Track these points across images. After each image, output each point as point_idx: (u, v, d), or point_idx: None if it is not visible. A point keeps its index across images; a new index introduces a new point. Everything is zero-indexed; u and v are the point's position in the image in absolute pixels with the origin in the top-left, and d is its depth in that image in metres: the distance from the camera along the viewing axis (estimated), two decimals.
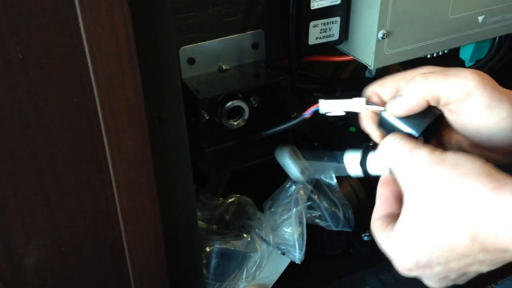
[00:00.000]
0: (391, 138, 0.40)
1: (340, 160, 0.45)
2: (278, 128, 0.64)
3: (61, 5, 0.38)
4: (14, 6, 0.37)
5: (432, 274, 0.37)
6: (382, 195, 0.42)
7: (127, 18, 0.40)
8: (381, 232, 0.40)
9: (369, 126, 0.44)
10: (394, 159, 0.39)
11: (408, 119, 0.41)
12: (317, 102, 0.46)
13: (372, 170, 0.43)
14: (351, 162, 0.43)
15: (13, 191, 0.43)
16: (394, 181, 0.42)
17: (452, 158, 0.36)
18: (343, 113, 0.44)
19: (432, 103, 0.41)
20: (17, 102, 0.40)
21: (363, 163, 0.42)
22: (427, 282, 0.40)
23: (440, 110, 0.41)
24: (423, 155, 0.37)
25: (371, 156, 0.43)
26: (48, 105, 0.41)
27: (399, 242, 0.38)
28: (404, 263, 0.38)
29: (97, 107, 0.42)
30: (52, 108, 0.41)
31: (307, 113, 0.48)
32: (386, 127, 0.42)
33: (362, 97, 0.43)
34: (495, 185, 0.34)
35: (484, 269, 0.37)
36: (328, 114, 0.45)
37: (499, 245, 0.34)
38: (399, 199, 0.42)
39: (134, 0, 0.41)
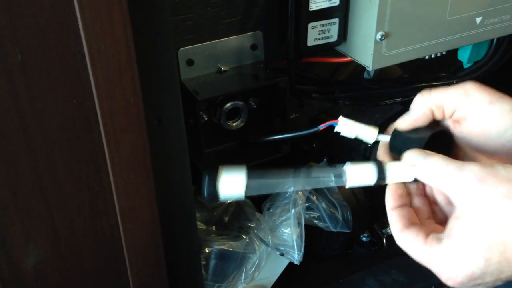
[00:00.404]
0: (435, 159, 0.39)
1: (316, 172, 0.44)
2: (289, 135, 0.65)
3: (60, 6, 0.38)
4: (12, 7, 0.37)
5: (481, 286, 0.38)
6: (405, 205, 0.42)
7: (126, 19, 0.40)
8: (420, 243, 0.39)
9: (383, 155, 0.44)
10: (442, 177, 0.38)
11: (414, 134, 0.41)
12: (336, 117, 0.46)
13: (392, 180, 0.42)
14: (359, 172, 0.41)
15: (12, 191, 0.44)
16: (419, 193, 0.43)
17: (504, 171, 0.36)
18: (352, 137, 0.44)
19: (437, 114, 0.42)
20: (16, 103, 0.40)
21: (381, 173, 0.41)
22: None
23: (445, 126, 0.42)
24: (474, 169, 0.37)
25: (392, 167, 0.41)
26: (47, 106, 0.41)
27: (452, 255, 0.37)
28: (456, 276, 0.37)
29: (96, 108, 0.42)
30: (51, 109, 0.42)
31: (322, 126, 0.48)
32: (396, 149, 0.42)
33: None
34: None
35: None
36: (341, 133, 0.45)
37: None
38: (431, 210, 0.43)
39: (133, 1, 0.41)
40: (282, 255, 0.69)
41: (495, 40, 0.72)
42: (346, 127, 0.44)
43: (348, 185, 0.40)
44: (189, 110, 0.61)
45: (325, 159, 0.76)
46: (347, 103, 0.75)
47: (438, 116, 0.42)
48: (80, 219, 0.47)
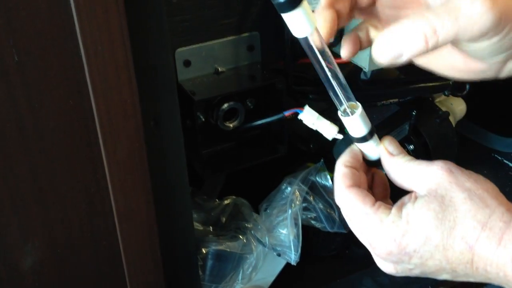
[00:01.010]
0: (403, 160, 0.39)
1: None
2: (255, 123, 0.65)
3: (56, 8, 0.38)
4: (9, 9, 0.37)
5: (404, 262, 0.38)
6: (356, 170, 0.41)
7: (123, 21, 0.40)
8: (367, 205, 0.38)
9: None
10: (412, 170, 0.39)
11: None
12: (305, 104, 0.46)
13: (365, 147, 0.42)
14: (363, 117, 0.40)
15: (9, 192, 0.44)
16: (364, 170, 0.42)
17: (474, 174, 0.37)
18: (314, 128, 0.44)
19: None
20: (14, 104, 0.40)
21: (370, 134, 0.40)
22: (386, 266, 0.40)
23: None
24: (443, 163, 0.37)
25: (375, 139, 0.41)
26: (44, 107, 0.41)
27: (396, 224, 0.37)
28: (390, 246, 0.37)
29: (92, 109, 0.42)
30: (48, 110, 0.42)
31: (287, 112, 0.49)
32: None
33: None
34: (510, 208, 0.35)
35: (451, 278, 0.37)
36: (304, 122, 0.45)
37: (491, 265, 0.34)
38: (387, 189, 0.43)
39: (129, 2, 0.41)
40: (279, 255, 0.69)
41: None
42: (310, 117, 0.44)
43: (350, 119, 0.39)
44: (186, 111, 0.61)
45: (322, 160, 0.76)
46: None
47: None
48: (77, 219, 0.47)
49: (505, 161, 1.02)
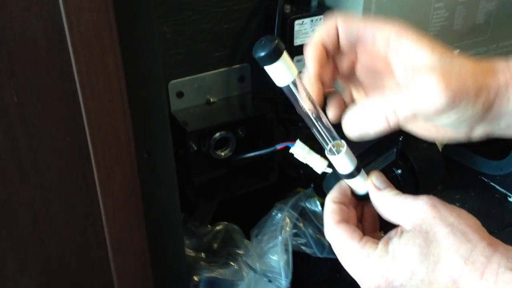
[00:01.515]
0: (390, 194, 0.41)
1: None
2: (248, 155, 0.66)
3: (55, 51, 0.40)
4: (11, 53, 0.39)
5: None
6: (345, 205, 0.43)
7: (118, 62, 0.42)
8: (355, 240, 0.40)
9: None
10: (399, 205, 0.40)
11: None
12: (297, 138, 0.48)
13: (354, 183, 0.43)
14: (348, 155, 0.42)
15: (7, 224, 0.45)
16: (353, 205, 0.44)
17: (457, 209, 0.39)
18: (304, 162, 0.46)
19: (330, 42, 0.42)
20: (12, 141, 0.42)
21: (357, 170, 0.42)
22: None
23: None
24: (427, 198, 0.39)
25: (362, 175, 0.43)
26: (42, 144, 0.43)
27: (383, 259, 0.38)
28: (377, 280, 0.38)
29: (88, 145, 0.44)
30: (46, 147, 0.43)
31: (279, 146, 0.50)
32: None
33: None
34: (491, 242, 0.37)
35: None
36: (294, 155, 0.47)
37: None
38: (376, 221, 0.44)
39: (125, 42, 0.43)
40: (270, 281, 0.70)
41: None
42: (300, 151, 0.46)
43: (336, 158, 0.41)
44: (179, 141, 0.63)
45: (311, 186, 0.78)
46: None
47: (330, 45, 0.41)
48: (72, 250, 0.49)
49: (491, 183, 1.04)
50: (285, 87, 0.37)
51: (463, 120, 0.38)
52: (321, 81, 0.41)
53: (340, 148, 0.40)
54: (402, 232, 0.39)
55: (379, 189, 0.42)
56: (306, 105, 0.39)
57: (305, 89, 0.38)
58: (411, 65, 0.38)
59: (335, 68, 0.43)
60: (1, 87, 0.40)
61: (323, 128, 0.40)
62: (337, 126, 0.42)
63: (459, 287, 0.36)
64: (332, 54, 0.42)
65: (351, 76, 0.44)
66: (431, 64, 0.37)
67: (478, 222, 0.38)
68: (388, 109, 0.37)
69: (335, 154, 0.40)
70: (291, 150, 0.47)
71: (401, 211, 0.40)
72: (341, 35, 0.41)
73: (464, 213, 0.39)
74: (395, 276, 0.38)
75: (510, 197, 1.01)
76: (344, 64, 0.43)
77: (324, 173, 0.46)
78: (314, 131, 0.40)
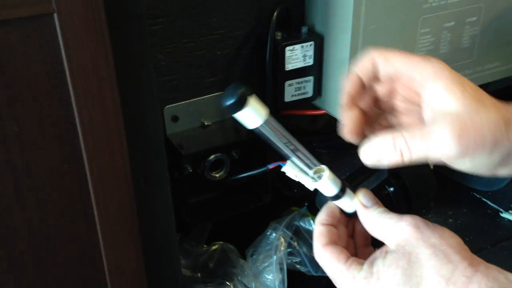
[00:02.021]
0: (376, 212, 0.43)
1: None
2: (241, 176, 0.68)
3: (54, 81, 0.42)
4: (10, 84, 0.41)
5: None
6: (333, 226, 0.45)
7: (115, 91, 0.44)
8: (341, 262, 0.42)
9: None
10: (384, 225, 0.42)
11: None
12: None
13: (340, 203, 0.45)
14: (332, 179, 0.44)
15: (6, 250, 0.46)
16: (343, 223, 0.46)
17: (439, 229, 0.40)
18: (296, 180, 0.48)
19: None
20: (11, 169, 0.43)
21: (341, 192, 0.44)
22: None
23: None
24: (411, 219, 0.40)
25: (349, 194, 0.44)
26: (40, 171, 0.44)
27: (366, 282, 0.40)
28: None
29: (86, 172, 0.46)
30: (44, 174, 0.45)
31: (271, 165, 0.52)
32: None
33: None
34: (472, 262, 0.38)
35: None
36: (286, 174, 0.49)
37: None
38: (368, 237, 0.46)
39: (122, 71, 0.45)
40: None
41: None
42: (291, 170, 0.47)
43: (318, 184, 0.42)
44: (174, 163, 0.65)
45: (305, 205, 0.80)
46: (324, 151, 0.79)
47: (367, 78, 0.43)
48: (70, 274, 0.50)
49: (483, 199, 1.05)
50: (255, 129, 0.39)
51: (480, 167, 0.39)
52: (359, 109, 0.44)
53: (322, 173, 0.42)
54: (386, 252, 0.41)
55: (366, 207, 0.44)
56: (280, 143, 0.40)
57: (278, 127, 0.40)
58: (437, 108, 0.39)
59: (375, 96, 0.45)
60: (2, 117, 0.41)
61: (302, 159, 0.42)
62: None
63: None
64: (369, 85, 0.44)
65: (390, 102, 0.46)
66: (455, 111, 0.38)
67: (460, 242, 0.40)
68: (404, 145, 0.39)
69: (317, 181, 0.42)
70: (283, 169, 0.49)
71: (386, 230, 0.42)
72: (380, 68, 0.43)
73: (446, 232, 0.40)
74: None
75: (502, 212, 1.02)
76: (383, 92, 0.45)
77: (316, 190, 0.47)
78: (293, 164, 0.42)
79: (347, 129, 0.44)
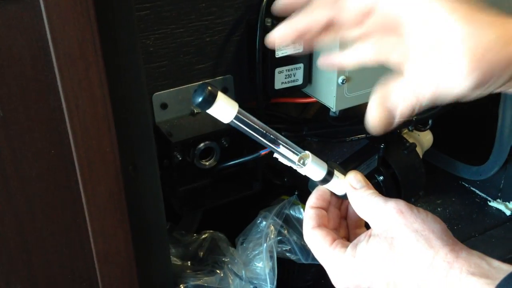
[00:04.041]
0: (364, 194, 0.43)
1: None
2: (232, 163, 0.68)
3: (40, 66, 0.41)
4: None
5: None
6: (323, 209, 0.45)
7: (102, 76, 0.44)
8: (326, 244, 0.42)
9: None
10: (370, 207, 0.42)
11: None
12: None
13: (329, 186, 0.45)
14: (316, 163, 0.44)
15: None
16: (335, 205, 0.46)
17: (423, 214, 0.40)
18: (288, 165, 0.48)
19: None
20: None
21: (329, 175, 0.44)
22: None
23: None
24: (397, 203, 0.41)
25: (337, 177, 0.45)
26: (26, 157, 0.44)
27: (349, 263, 0.41)
28: (346, 282, 0.41)
29: (73, 158, 0.45)
30: (31, 160, 0.44)
31: (263, 151, 0.52)
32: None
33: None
34: (454, 248, 0.38)
35: None
36: (279, 159, 0.48)
37: None
38: (339, 223, 0.46)
39: (108, 56, 0.44)
40: None
41: None
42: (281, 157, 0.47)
43: (303, 169, 0.43)
44: (163, 151, 0.64)
45: (295, 193, 0.80)
46: (315, 140, 0.79)
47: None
48: (58, 262, 0.49)
49: (472, 188, 1.06)
50: (230, 122, 0.40)
51: (491, 89, 0.35)
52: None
53: (306, 159, 0.42)
54: (370, 236, 0.41)
55: (355, 188, 0.44)
56: (258, 134, 0.40)
57: (252, 119, 0.41)
58: (435, 35, 0.34)
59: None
60: None
61: (284, 147, 0.42)
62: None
63: None
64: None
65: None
66: (461, 37, 0.32)
67: (443, 227, 0.40)
68: (414, 97, 0.35)
69: (303, 167, 0.42)
70: (275, 155, 0.49)
71: (371, 212, 0.42)
72: None
73: (429, 218, 0.40)
74: (363, 278, 0.40)
75: (490, 201, 1.03)
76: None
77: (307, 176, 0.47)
78: (277, 153, 0.42)
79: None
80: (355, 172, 0.45)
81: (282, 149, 0.42)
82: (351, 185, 0.44)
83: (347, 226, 0.48)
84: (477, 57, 0.33)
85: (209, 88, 0.38)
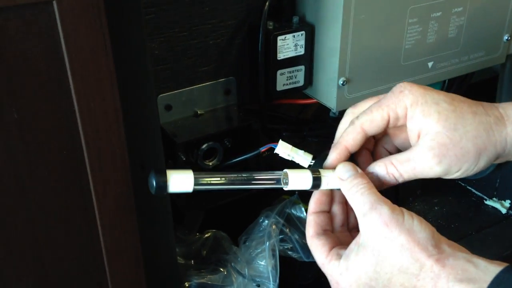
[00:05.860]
0: (361, 184, 0.43)
1: None
2: (233, 161, 0.70)
3: (53, 70, 0.43)
4: (10, 71, 0.41)
5: None
6: (323, 212, 0.47)
7: (113, 79, 0.45)
8: (323, 254, 0.44)
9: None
10: (359, 206, 0.43)
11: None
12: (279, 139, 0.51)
13: (324, 187, 0.46)
14: (298, 177, 0.45)
15: (4, 233, 0.46)
16: (340, 200, 0.48)
17: (409, 223, 0.41)
18: (290, 159, 0.49)
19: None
20: (11, 156, 0.44)
21: (316, 180, 0.45)
22: None
23: None
24: (383, 212, 0.41)
25: (326, 175, 0.45)
26: (39, 158, 0.45)
27: (342, 274, 0.42)
28: None
29: (85, 159, 0.46)
30: (44, 161, 0.45)
31: (263, 148, 0.54)
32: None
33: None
34: (439, 258, 0.39)
35: None
36: (280, 155, 0.50)
37: None
38: (346, 217, 0.48)
39: (119, 60, 0.46)
40: (258, 286, 0.73)
41: (446, 81, 0.80)
42: (284, 149, 0.49)
43: (288, 187, 0.44)
44: (168, 152, 0.65)
45: (296, 192, 0.81)
46: (315, 140, 0.81)
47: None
48: (69, 261, 0.50)
49: (468, 187, 1.08)
50: (197, 189, 0.42)
51: (471, 172, 0.43)
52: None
53: (286, 179, 0.44)
54: (359, 245, 0.42)
55: (342, 179, 0.45)
56: (226, 185, 0.43)
57: (212, 174, 0.43)
58: (417, 133, 0.43)
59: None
60: (2, 104, 0.41)
61: (261, 179, 0.44)
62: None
63: None
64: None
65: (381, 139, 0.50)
66: (434, 133, 0.42)
67: (429, 234, 0.40)
68: (396, 172, 0.44)
69: (287, 185, 0.44)
70: (276, 150, 0.50)
71: (359, 213, 0.43)
72: (369, 133, 0.46)
73: (416, 226, 0.40)
74: None
75: (486, 200, 1.05)
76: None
77: (310, 167, 0.48)
78: (261, 187, 0.44)
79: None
80: (344, 162, 0.46)
81: (258, 181, 0.43)
82: (339, 177, 0.45)
83: (348, 222, 0.49)
84: (443, 151, 0.42)
85: (156, 179, 0.41)
